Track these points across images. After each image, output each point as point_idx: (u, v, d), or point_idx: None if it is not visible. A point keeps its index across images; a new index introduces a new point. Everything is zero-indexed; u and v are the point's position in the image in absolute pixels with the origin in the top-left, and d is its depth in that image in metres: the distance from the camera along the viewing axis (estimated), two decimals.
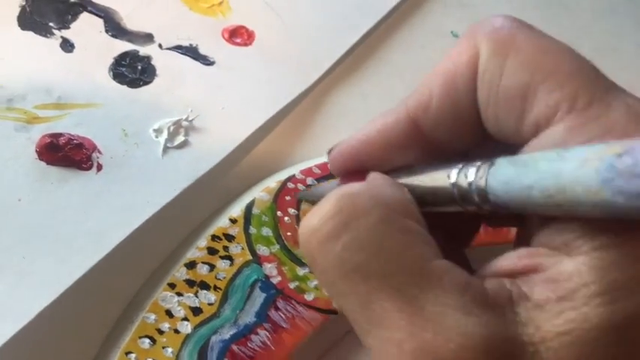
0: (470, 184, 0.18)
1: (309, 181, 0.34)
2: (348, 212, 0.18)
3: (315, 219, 0.18)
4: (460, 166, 0.19)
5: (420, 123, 0.20)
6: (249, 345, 0.28)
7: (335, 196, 0.18)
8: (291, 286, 0.30)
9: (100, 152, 0.32)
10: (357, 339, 0.30)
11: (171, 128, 0.34)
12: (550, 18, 0.48)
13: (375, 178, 0.20)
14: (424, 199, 0.20)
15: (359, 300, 0.17)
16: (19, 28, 0.36)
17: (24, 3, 0.37)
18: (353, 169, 0.22)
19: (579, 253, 0.16)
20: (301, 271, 0.31)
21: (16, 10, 0.37)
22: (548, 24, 0.22)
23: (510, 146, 0.19)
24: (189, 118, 0.34)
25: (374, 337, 0.17)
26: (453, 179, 0.19)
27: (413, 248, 0.17)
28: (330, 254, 0.17)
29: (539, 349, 0.16)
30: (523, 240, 0.19)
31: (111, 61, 0.36)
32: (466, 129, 0.20)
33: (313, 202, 0.30)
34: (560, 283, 0.16)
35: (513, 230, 0.22)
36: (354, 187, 0.19)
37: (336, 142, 0.38)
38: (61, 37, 0.37)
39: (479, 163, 0.18)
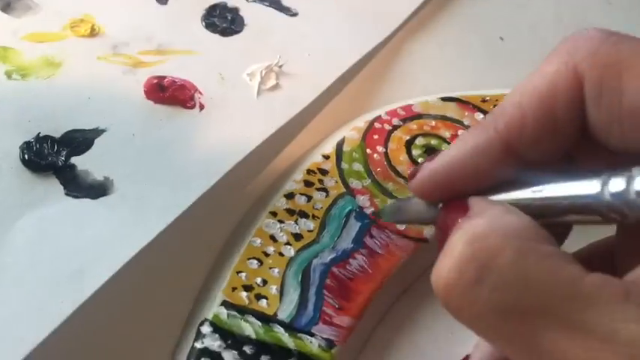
0: (621, 193, 0.17)
1: (395, 121, 0.35)
2: (483, 255, 0.17)
3: (449, 268, 0.17)
4: (604, 176, 0.18)
5: (514, 143, 0.20)
6: (347, 268, 0.30)
7: (461, 242, 0.17)
8: None
9: (200, 93, 0.34)
10: None
11: (263, 72, 0.36)
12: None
13: (486, 208, 0.19)
14: (542, 212, 0.19)
15: (524, 340, 0.16)
16: None
17: None
18: (444, 194, 0.22)
19: None
20: None
21: None
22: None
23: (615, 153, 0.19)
24: (279, 64, 0.36)
25: None
26: (597, 189, 0.18)
27: (560, 272, 0.16)
28: (478, 302, 0.16)
29: None
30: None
31: (202, 12, 0.38)
32: (562, 145, 0.20)
33: (405, 221, 0.30)
34: None
35: None
36: (476, 226, 0.18)
37: (415, 88, 0.39)
38: None
39: (629, 172, 0.17)
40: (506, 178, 0.21)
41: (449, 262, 0.17)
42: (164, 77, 0.34)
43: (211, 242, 0.30)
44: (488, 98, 0.37)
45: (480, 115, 0.36)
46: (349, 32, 0.39)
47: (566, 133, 0.19)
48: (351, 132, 0.35)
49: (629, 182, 0.17)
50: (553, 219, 0.19)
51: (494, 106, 0.37)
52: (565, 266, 0.16)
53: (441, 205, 0.22)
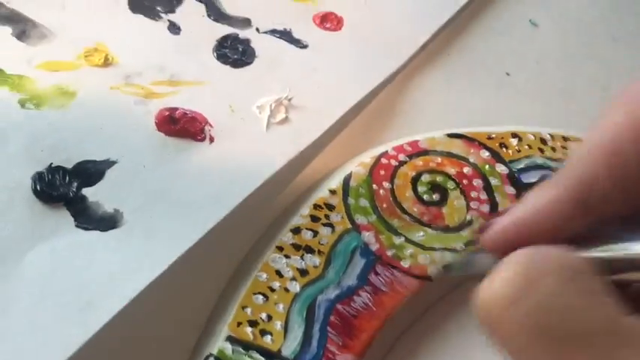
0: None
1: (401, 157, 0.36)
2: (531, 274, 0.17)
3: (494, 284, 0.17)
4: None
5: (585, 201, 0.20)
6: (352, 305, 0.30)
7: (514, 259, 0.18)
8: (389, 253, 0.32)
9: (210, 125, 0.34)
10: (449, 304, 0.32)
11: (273, 105, 0.36)
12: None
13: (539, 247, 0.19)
14: (613, 267, 0.19)
15: None
16: (129, 11, 0.39)
17: None
18: (514, 249, 0.21)
19: None
20: (397, 240, 0.33)
21: None
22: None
23: None
24: (289, 97, 0.37)
25: None
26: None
27: (601, 306, 0.16)
28: (515, 319, 0.17)
29: None
30: None
31: (214, 43, 0.39)
32: (633, 201, 0.20)
33: (471, 275, 0.29)
34: None
35: None
36: (532, 250, 0.18)
37: (422, 123, 0.40)
38: (168, 20, 0.39)
39: None
40: (580, 231, 0.20)
41: (496, 277, 0.18)
42: (176, 109, 0.34)
43: (218, 276, 0.31)
44: (494, 135, 0.38)
45: (485, 153, 0.37)
46: (358, 66, 0.40)
47: (637, 185, 0.19)
48: (357, 167, 0.35)
49: None
50: (623, 274, 0.19)
51: (500, 144, 0.37)
52: (607, 302, 0.16)
53: None
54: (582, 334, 0.16)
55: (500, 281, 0.17)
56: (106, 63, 0.36)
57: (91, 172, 0.31)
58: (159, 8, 0.40)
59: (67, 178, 0.31)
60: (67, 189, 0.30)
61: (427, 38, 0.43)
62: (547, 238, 0.20)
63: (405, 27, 0.43)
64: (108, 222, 0.30)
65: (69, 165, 0.31)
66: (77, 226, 0.29)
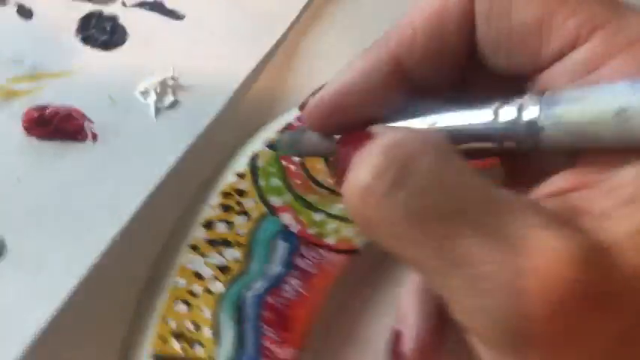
0: (515, 121, 0.18)
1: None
2: (403, 159, 0.17)
3: (365, 176, 0.17)
4: (496, 104, 0.19)
5: (404, 62, 0.20)
6: (283, 295, 0.28)
7: (381, 146, 0.17)
8: (311, 232, 0.30)
9: (90, 121, 0.30)
10: (380, 278, 0.31)
11: (158, 88, 0.32)
12: None
13: (394, 129, 0.19)
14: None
15: (436, 245, 0.16)
16: None
17: None
18: (336, 123, 0.21)
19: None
20: (317, 217, 0.31)
21: None
22: None
23: (504, 78, 0.20)
24: (174, 77, 0.33)
25: (459, 278, 0.16)
26: (490, 118, 0.19)
27: (475, 181, 0.17)
28: (393, 206, 0.17)
29: (616, 254, 0.16)
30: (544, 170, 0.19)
31: (75, 25, 0.34)
32: (451, 66, 0.20)
33: (298, 152, 0.27)
34: (622, 189, 0.17)
35: None
36: (394, 135, 0.18)
37: (318, 85, 0.37)
38: (16, 2, 0.34)
39: (520, 101, 0.18)
40: (399, 108, 0.20)
41: (365, 170, 0.17)
42: (45, 107, 0.29)
43: (129, 290, 0.27)
44: None
45: None
46: (243, 33, 0.37)
47: (455, 51, 0.20)
48: (262, 145, 0.32)
49: (519, 111, 0.18)
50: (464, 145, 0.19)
51: None
52: (478, 177, 0.17)
53: (337, 137, 0.22)
54: (464, 211, 0.16)
55: (369, 171, 0.17)
56: None
57: None
58: None
59: None
60: None
61: None
62: (366, 112, 0.21)
63: None
64: None
65: None
66: None
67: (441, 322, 0.22)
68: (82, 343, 0.25)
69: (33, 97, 0.30)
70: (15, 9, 0.34)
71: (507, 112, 0.18)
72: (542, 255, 0.15)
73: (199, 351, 0.26)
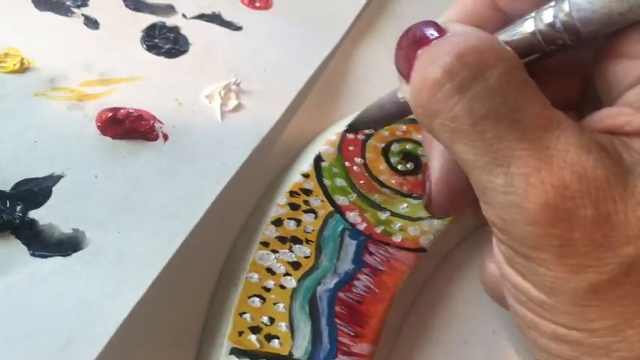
0: (552, 22, 0.19)
1: (366, 130, 0.34)
2: (476, 67, 0.18)
3: (437, 73, 0.19)
4: (533, 14, 0.20)
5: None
6: (354, 291, 0.28)
7: (457, 49, 0.19)
8: (378, 230, 0.30)
9: (160, 122, 0.30)
10: (445, 275, 0.31)
11: (222, 93, 0.33)
12: None
13: (471, 29, 0.20)
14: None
15: (486, 143, 0.18)
16: (36, 9, 0.34)
17: None
18: None
19: None
20: (383, 216, 0.31)
21: None
22: None
23: None
24: (237, 82, 0.34)
25: (497, 175, 0.18)
26: (531, 27, 0.20)
27: (536, 97, 0.18)
28: (458, 105, 0.18)
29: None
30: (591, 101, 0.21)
31: (140, 34, 0.35)
32: None
33: (375, 120, 0.29)
34: None
35: None
36: (475, 42, 0.19)
37: (373, 93, 0.38)
38: (82, 14, 0.35)
39: (552, 3, 0.19)
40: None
41: (439, 67, 0.19)
42: (118, 109, 0.30)
43: (204, 284, 0.27)
44: None
45: None
46: (298, 42, 0.37)
47: None
48: (325, 146, 0.33)
49: (554, 12, 0.19)
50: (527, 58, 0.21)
51: None
52: (539, 95, 0.19)
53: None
54: (518, 118, 0.18)
55: (442, 70, 0.19)
56: (23, 68, 0.31)
57: (34, 191, 0.26)
58: (68, 3, 0.35)
59: (8, 202, 0.26)
60: (10, 215, 0.26)
61: (360, 8, 0.41)
62: None
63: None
64: (68, 244, 0.25)
65: (6, 187, 0.26)
66: (33, 254, 0.25)
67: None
68: (160, 335, 0.25)
69: (104, 99, 0.31)
70: (82, 20, 0.35)
71: (545, 16, 0.20)
72: (570, 169, 0.17)
73: (276, 344, 0.26)
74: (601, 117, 0.19)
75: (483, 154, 0.18)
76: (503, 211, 0.18)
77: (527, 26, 0.20)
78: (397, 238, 0.30)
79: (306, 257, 0.29)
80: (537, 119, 0.18)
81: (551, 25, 0.20)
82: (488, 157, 0.18)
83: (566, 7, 0.19)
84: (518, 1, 0.22)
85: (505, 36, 0.21)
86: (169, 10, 0.37)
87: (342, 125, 0.34)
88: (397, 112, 0.26)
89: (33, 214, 0.26)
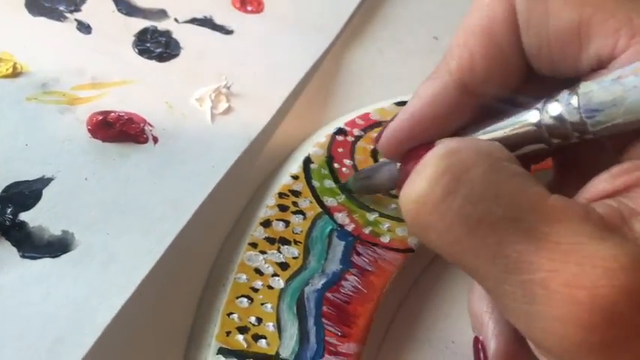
0: (559, 116, 0.19)
1: (356, 132, 0.34)
2: (457, 168, 0.17)
3: (420, 184, 0.17)
4: (539, 106, 0.19)
5: (468, 83, 0.21)
6: (342, 291, 0.28)
7: (435, 157, 0.18)
8: (366, 231, 0.30)
9: (150, 125, 0.31)
10: (433, 275, 0.31)
11: (213, 96, 0.33)
12: None
13: (454, 139, 0.19)
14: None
15: (489, 251, 0.16)
16: (29, 15, 0.35)
17: None
18: (408, 148, 0.23)
19: None
20: (371, 217, 0.31)
21: None
22: None
23: (560, 81, 0.20)
24: (227, 85, 0.34)
25: (512, 284, 0.16)
26: (536, 118, 0.19)
27: (528, 189, 0.17)
28: (448, 213, 0.17)
29: None
30: (593, 166, 0.20)
31: (132, 38, 0.35)
32: (512, 78, 0.21)
33: (368, 188, 0.30)
34: None
35: None
36: (449, 144, 0.18)
37: (364, 96, 0.38)
38: (75, 19, 0.35)
39: (558, 98, 0.19)
40: (465, 124, 0.21)
41: (421, 179, 0.17)
42: (108, 112, 0.30)
43: (192, 285, 0.28)
44: None
45: None
46: (289, 46, 0.38)
47: (513, 62, 0.20)
48: (314, 148, 0.33)
49: (561, 105, 0.19)
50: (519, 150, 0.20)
51: None
52: (532, 185, 0.17)
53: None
54: (516, 218, 0.16)
55: (425, 180, 0.17)
56: (15, 72, 0.31)
57: (24, 194, 0.27)
58: (61, 8, 0.36)
59: None
60: (0, 217, 0.26)
61: (351, 11, 0.42)
62: (436, 133, 0.21)
63: (325, 2, 0.41)
64: (58, 246, 0.26)
65: None
66: (23, 256, 0.25)
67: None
68: (148, 336, 0.25)
69: (95, 103, 0.31)
70: (74, 25, 0.35)
71: (551, 109, 0.19)
72: (592, 264, 0.15)
73: (263, 344, 0.26)
74: (610, 176, 0.18)
75: (490, 262, 0.16)
76: (532, 323, 0.16)
77: (531, 117, 0.20)
78: (385, 239, 0.30)
79: (294, 258, 0.29)
80: (537, 214, 0.16)
81: (558, 118, 0.19)
82: (496, 266, 0.16)
83: (574, 101, 0.18)
84: (493, 86, 0.21)
85: (507, 124, 0.20)
86: (161, 14, 0.37)
87: (331, 128, 0.34)
88: (390, 185, 0.27)
89: (23, 216, 0.26)
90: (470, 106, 0.21)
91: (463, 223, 0.17)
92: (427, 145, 0.20)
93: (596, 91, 0.18)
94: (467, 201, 0.17)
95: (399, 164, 0.25)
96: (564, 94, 0.19)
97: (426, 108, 0.21)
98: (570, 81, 0.20)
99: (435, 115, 0.21)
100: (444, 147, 0.18)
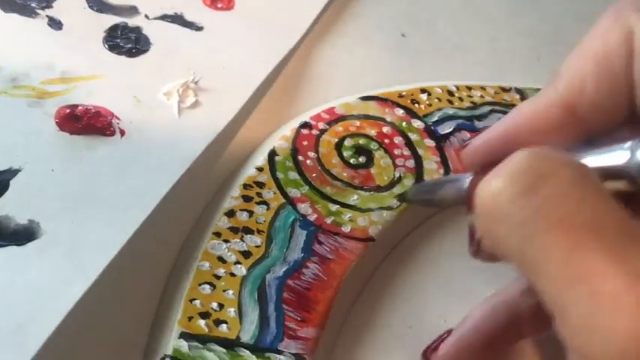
0: None
1: (321, 125, 0.35)
2: (543, 168, 0.17)
3: (501, 179, 0.17)
4: (630, 143, 0.18)
5: (576, 107, 0.20)
6: (302, 278, 0.29)
7: (521, 156, 0.17)
8: (328, 221, 0.31)
9: (118, 118, 0.32)
10: (394, 263, 0.32)
11: (180, 90, 0.34)
12: None
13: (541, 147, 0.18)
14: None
15: (562, 254, 0.16)
16: (1, 11, 0.36)
17: None
18: (492, 162, 0.21)
19: None
20: (333, 207, 0.32)
21: None
22: None
23: None
24: (195, 80, 0.35)
25: (578, 292, 0.15)
26: (626, 157, 0.18)
27: (613, 206, 0.16)
28: (527, 208, 0.16)
29: None
30: None
31: (103, 34, 0.36)
32: (620, 109, 0.20)
33: (429, 201, 0.30)
34: None
35: None
36: (539, 149, 0.17)
37: (331, 91, 0.39)
38: (47, 16, 0.36)
39: None
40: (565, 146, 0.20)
41: (502, 174, 0.17)
42: (76, 106, 0.31)
43: (157, 272, 0.29)
44: (404, 93, 0.38)
45: (399, 111, 0.37)
46: (258, 42, 0.39)
47: (623, 92, 0.19)
48: (279, 141, 0.34)
49: None
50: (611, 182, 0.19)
51: (411, 100, 0.38)
52: (617, 205, 0.16)
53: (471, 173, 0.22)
54: (599, 228, 0.16)
55: (506, 176, 0.17)
56: None
57: None
58: (33, 5, 0.36)
59: None
60: None
61: (320, 9, 0.43)
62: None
63: (295, 1, 0.42)
64: (24, 234, 0.26)
65: None
66: None
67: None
68: (113, 321, 0.26)
69: (64, 97, 0.32)
70: (46, 21, 0.36)
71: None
72: None
73: (224, 329, 0.27)
74: None
75: (561, 265, 0.16)
76: (587, 336, 0.15)
77: (621, 155, 0.18)
78: (347, 229, 0.31)
79: (257, 247, 0.30)
80: (619, 230, 0.16)
81: None
82: (567, 271, 0.16)
83: None
84: (601, 113, 0.20)
85: (592, 158, 0.19)
86: (132, 11, 0.38)
87: (297, 122, 0.35)
88: (455, 200, 0.25)
89: None
90: (571, 129, 0.20)
91: (542, 219, 0.16)
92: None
93: None
94: (549, 200, 0.16)
95: (468, 180, 0.23)
96: None
97: (525, 121, 0.21)
98: None
99: (532, 131, 0.21)
100: (530, 150, 0.17)
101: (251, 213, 0.31)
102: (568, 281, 0.16)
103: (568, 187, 0.16)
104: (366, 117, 0.36)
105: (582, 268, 0.15)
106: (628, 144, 0.18)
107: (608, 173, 0.19)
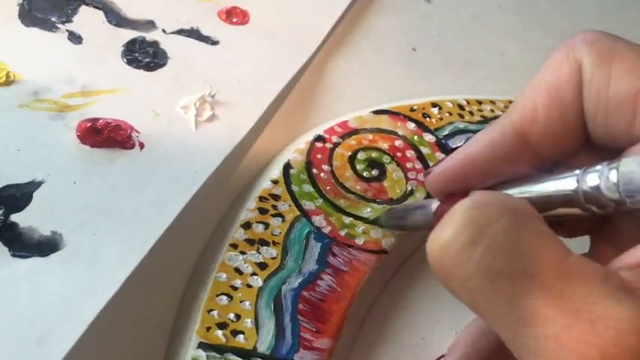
0: (596, 188, 0.19)
1: (334, 139, 0.36)
2: (481, 220, 0.18)
3: (446, 233, 0.18)
4: (578, 172, 0.19)
5: (527, 136, 0.21)
6: (317, 290, 0.30)
7: (462, 208, 0.18)
8: (342, 233, 0.32)
9: (137, 132, 0.32)
10: (406, 275, 0.33)
11: (197, 104, 0.35)
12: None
13: (486, 192, 0.20)
14: (537, 206, 0.20)
15: (507, 302, 0.17)
16: (22, 25, 0.36)
17: (22, 1, 0.37)
18: (453, 189, 0.23)
19: None
20: (347, 220, 0.33)
21: (16, 9, 0.37)
22: None
23: (609, 150, 0.21)
24: (212, 94, 0.36)
25: (527, 336, 0.17)
26: (574, 185, 0.19)
27: (550, 246, 0.17)
28: (469, 263, 0.18)
29: None
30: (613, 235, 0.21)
31: (121, 48, 0.37)
32: (571, 138, 0.21)
33: (400, 226, 0.31)
34: None
35: None
36: (477, 197, 0.19)
37: (344, 105, 0.40)
38: (67, 30, 0.37)
39: (597, 169, 0.19)
40: (516, 176, 0.22)
41: (445, 226, 0.18)
42: (97, 119, 0.32)
43: (175, 283, 0.29)
44: (415, 107, 0.39)
45: (411, 124, 0.38)
46: (273, 56, 0.39)
47: (573, 121, 0.21)
48: (294, 154, 0.35)
49: (600, 178, 0.19)
50: (546, 213, 0.20)
51: (423, 114, 0.38)
52: (553, 243, 0.17)
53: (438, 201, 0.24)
54: (534, 273, 0.17)
55: (450, 229, 0.18)
56: (8, 81, 0.33)
57: (16, 196, 0.28)
58: (53, 19, 0.37)
59: None
60: None
61: (333, 23, 0.43)
62: (485, 179, 0.22)
63: (309, 14, 0.43)
64: (47, 246, 0.27)
65: None
66: (13, 255, 0.27)
67: None
68: (133, 331, 0.27)
69: (84, 110, 0.33)
70: (66, 35, 0.37)
71: (590, 179, 0.19)
72: (604, 324, 0.16)
73: (241, 339, 0.28)
74: (635, 252, 0.18)
75: (507, 313, 0.17)
76: None
77: (569, 183, 0.20)
78: (360, 241, 0.32)
79: (273, 258, 0.31)
80: (556, 271, 0.17)
81: (596, 189, 0.19)
82: (512, 317, 0.17)
83: (613, 177, 0.18)
84: (553, 141, 0.21)
85: (546, 185, 0.20)
86: (150, 25, 0.39)
87: (311, 135, 0.36)
88: (424, 226, 0.26)
89: (14, 217, 0.28)
90: (525, 157, 0.22)
91: (483, 273, 0.17)
92: (464, 193, 0.21)
93: (637, 173, 0.18)
94: (488, 252, 0.17)
95: (434, 207, 0.25)
96: (604, 168, 0.19)
97: (481, 151, 0.22)
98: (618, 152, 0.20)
99: (488, 159, 0.22)
100: (471, 199, 0.18)
101: (267, 225, 0.32)
102: (516, 327, 0.17)
103: (504, 236, 0.17)
104: (379, 130, 0.37)
105: (526, 315, 0.16)
106: (577, 171, 0.19)
107: (559, 200, 0.20)
